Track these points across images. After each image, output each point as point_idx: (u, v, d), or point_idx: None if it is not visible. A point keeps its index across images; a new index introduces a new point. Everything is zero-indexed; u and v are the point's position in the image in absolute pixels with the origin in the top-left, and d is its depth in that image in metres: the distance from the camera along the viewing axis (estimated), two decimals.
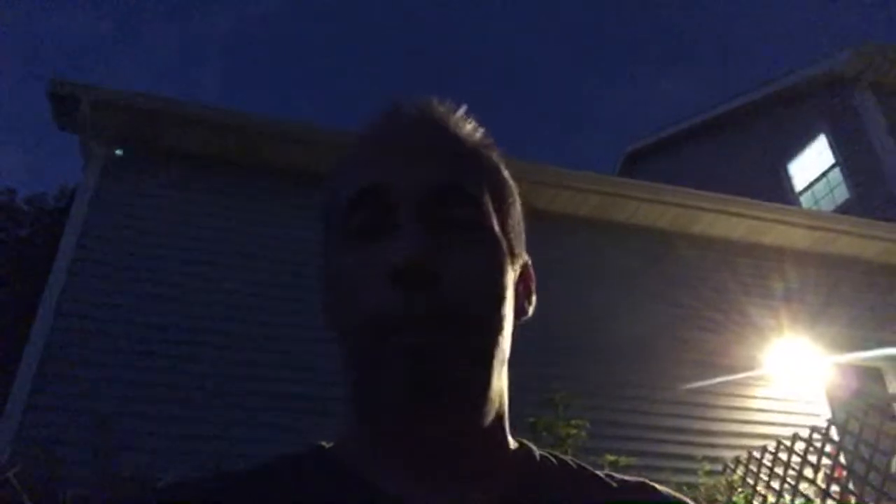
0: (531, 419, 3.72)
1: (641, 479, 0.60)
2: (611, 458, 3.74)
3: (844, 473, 4.11)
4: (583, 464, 0.60)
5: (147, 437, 3.89)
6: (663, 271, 5.64)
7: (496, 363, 0.53)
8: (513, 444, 0.58)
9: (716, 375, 5.21)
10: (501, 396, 0.56)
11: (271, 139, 5.07)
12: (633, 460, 3.88)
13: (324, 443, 0.58)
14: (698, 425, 5.01)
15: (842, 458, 4.10)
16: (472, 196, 0.54)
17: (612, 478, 0.59)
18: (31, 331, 4.20)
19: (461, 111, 0.60)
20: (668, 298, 5.45)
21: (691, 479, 4.33)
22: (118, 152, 4.90)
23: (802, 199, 9.39)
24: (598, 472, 0.59)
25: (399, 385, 0.48)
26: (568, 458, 0.60)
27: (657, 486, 0.59)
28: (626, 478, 0.59)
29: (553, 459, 0.59)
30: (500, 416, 0.56)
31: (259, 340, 4.47)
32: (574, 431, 3.72)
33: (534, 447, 0.60)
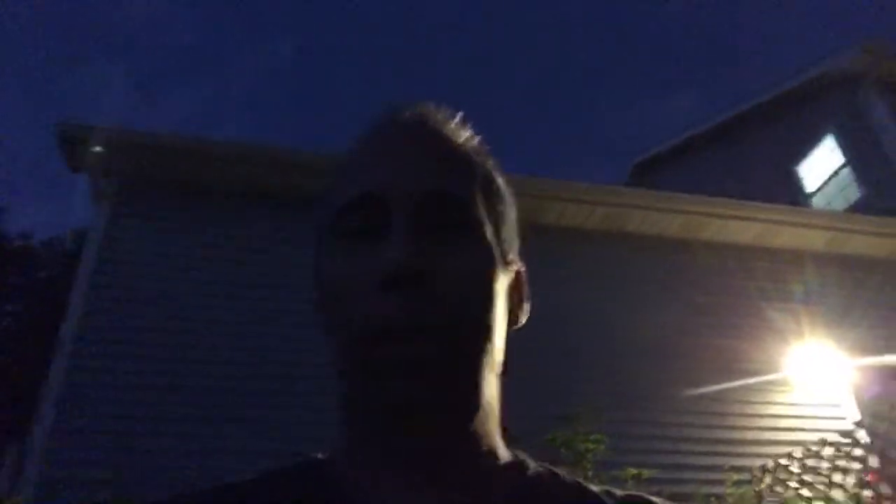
0: (549, 435, 3.68)
1: (638, 494, 0.59)
2: (632, 471, 3.67)
3: (876, 478, 4.01)
4: (578, 479, 0.59)
5: (164, 468, 3.89)
6: (678, 279, 5.59)
7: (486, 373, 0.53)
8: (507, 455, 0.57)
9: (736, 382, 5.13)
10: (493, 406, 0.56)
11: (282, 169, 5.07)
12: (655, 472, 3.81)
13: (319, 454, 0.58)
14: (722, 434, 4.93)
15: (873, 461, 4.01)
16: (464, 202, 0.54)
17: (610, 494, 0.58)
18: (51, 368, 4.24)
19: (457, 118, 0.60)
20: (685, 306, 5.40)
21: (718, 489, 4.24)
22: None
23: (814, 200, 9.32)
24: (594, 487, 0.58)
25: (387, 398, 0.48)
26: (562, 471, 0.59)
27: (653, 498, 0.58)
28: (619, 492, 0.58)
29: (547, 473, 0.58)
30: (492, 427, 0.56)
31: (271, 369, 4.47)
32: (593, 446, 3.67)
33: (529, 459, 0.59)
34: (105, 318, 4.48)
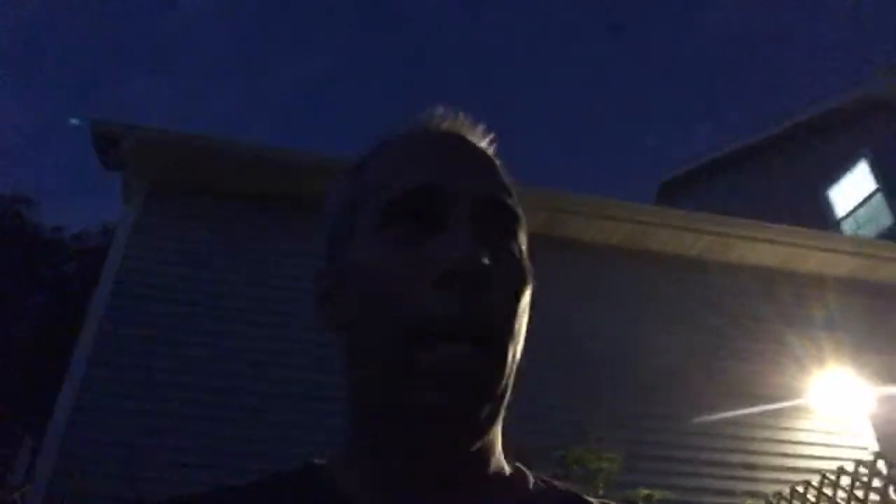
0: (561, 453, 3.65)
1: None
2: (645, 492, 3.64)
3: None
4: (577, 492, 0.59)
5: (176, 468, 3.93)
6: (699, 300, 5.53)
7: (512, 381, 0.53)
8: (508, 468, 0.57)
9: (754, 406, 5.06)
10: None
11: (312, 174, 5.05)
12: (668, 494, 3.77)
13: (316, 460, 0.57)
14: (737, 458, 4.86)
15: (892, 493, 3.93)
16: (517, 214, 0.54)
17: None
18: (72, 360, 4.31)
19: (481, 127, 0.60)
20: (704, 328, 5.34)
21: None
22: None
23: (844, 225, 9.18)
24: (593, 500, 0.58)
25: (429, 400, 0.47)
26: (562, 484, 0.59)
27: None
28: None
29: (545, 486, 0.58)
30: (496, 441, 0.55)
31: (290, 372, 4.50)
32: (606, 464, 3.63)
33: (528, 472, 0.58)
34: (128, 312, 4.55)
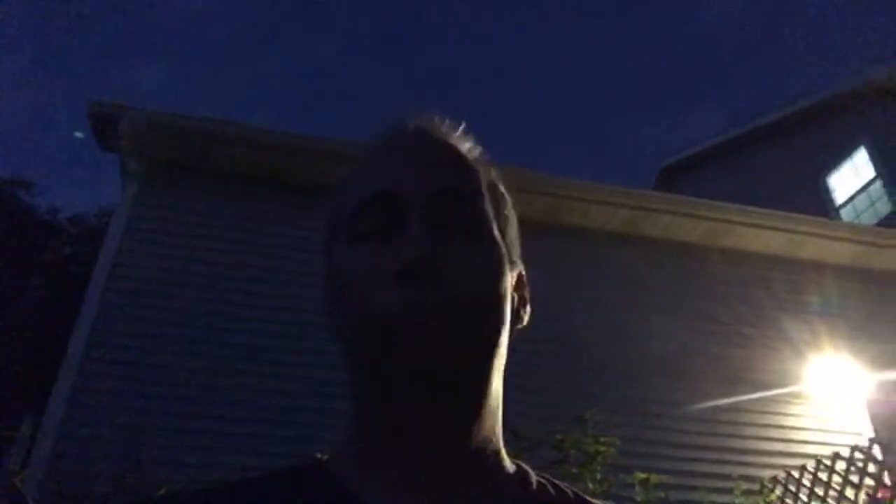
0: (559, 436, 3.66)
1: None
2: (641, 476, 3.66)
3: (889, 495, 3.96)
4: (580, 493, 0.59)
5: (176, 450, 3.93)
6: (696, 286, 5.55)
7: (496, 360, 0.54)
8: (510, 466, 0.57)
9: (751, 392, 5.08)
10: (498, 403, 0.56)
11: (310, 157, 5.05)
12: (664, 478, 3.79)
13: (320, 455, 0.57)
14: (733, 443, 4.89)
15: (886, 479, 3.96)
16: (475, 200, 0.56)
17: None
18: (68, 348, 4.29)
19: (460, 128, 0.62)
20: (701, 314, 5.35)
21: (726, 499, 4.21)
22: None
23: (843, 212, 9.20)
24: (596, 502, 0.58)
25: (405, 379, 0.49)
26: (565, 485, 0.59)
27: None
28: None
29: (550, 486, 0.58)
30: (496, 427, 0.56)
31: (289, 357, 4.50)
32: (603, 449, 3.65)
33: (531, 471, 0.59)
34: (125, 296, 4.54)
